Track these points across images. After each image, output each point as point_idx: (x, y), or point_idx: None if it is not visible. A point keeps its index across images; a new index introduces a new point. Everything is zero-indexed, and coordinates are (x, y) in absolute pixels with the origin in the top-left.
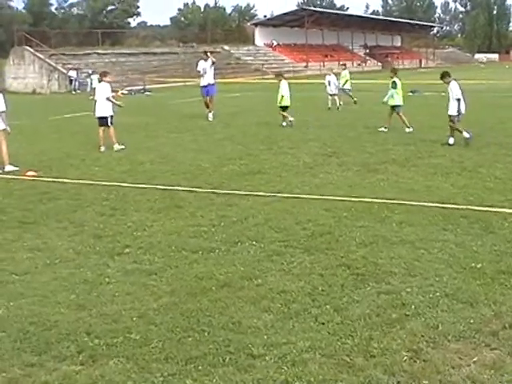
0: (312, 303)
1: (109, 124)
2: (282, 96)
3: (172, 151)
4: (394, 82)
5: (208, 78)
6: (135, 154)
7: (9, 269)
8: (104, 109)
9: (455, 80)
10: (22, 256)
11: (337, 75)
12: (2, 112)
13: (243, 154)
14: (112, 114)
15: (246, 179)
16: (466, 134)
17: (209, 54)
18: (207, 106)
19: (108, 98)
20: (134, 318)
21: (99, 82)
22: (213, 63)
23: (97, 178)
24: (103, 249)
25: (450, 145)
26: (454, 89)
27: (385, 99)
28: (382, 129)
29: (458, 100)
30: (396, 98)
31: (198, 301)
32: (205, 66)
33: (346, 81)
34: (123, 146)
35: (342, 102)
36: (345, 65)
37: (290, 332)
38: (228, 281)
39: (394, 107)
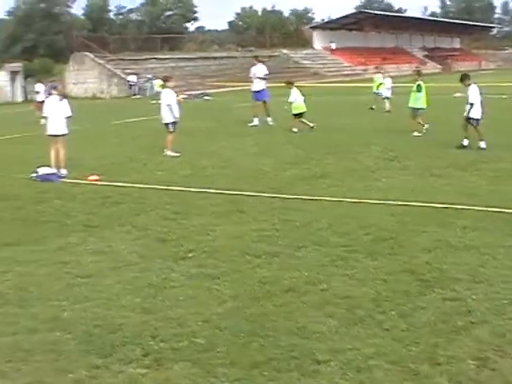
0: (376, 309)
1: (170, 129)
2: (291, 103)
3: (233, 155)
4: (418, 85)
5: (260, 84)
6: (197, 159)
7: (74, 272)
8: (165, 115)
9: (475, 84)
10: (87, 259)
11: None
12: (69, 117)
13: (305, 158)
14: (173, 120)
15: (308, 183)
16: (465, 142)
17: (259, 59)
18: (259, 111)
19: (168, 105)
20: (199, 323)
21: (162, 87)
22: (265, 75)
23: (159, 182)
24: (167, 253)
25: (482, 149)
26: (471, 92)
27: (410, 104)
28: (416, 133)
29: (471, 104)
30: (420, 101)
31: (262, 305)
32: (256, 71)
33: (380, 85)
34: (177, 154)
35: (374, 106)
36: (377, 68)
37: (354, 338)
38: (292, 285)
39: (415, 109)
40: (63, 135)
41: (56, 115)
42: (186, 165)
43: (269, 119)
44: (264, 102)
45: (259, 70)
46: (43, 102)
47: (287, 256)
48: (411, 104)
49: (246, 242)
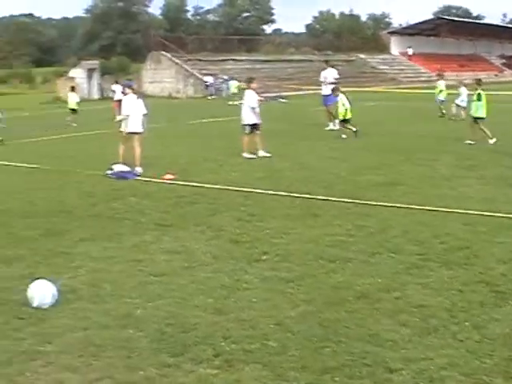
0: (450, 319)
1: (246, 131)
2: (346, 109)
3: (308, 159)
4: (478, 94)
5: (329, 88)
6: (272, 161)
7: (147, 270)
8: (245, 116)
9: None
10: (160, 258)
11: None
12: (145, 115)
13: (379, 163)
14: (253, 122)
15: (382, 190)
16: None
17: (330, 63)
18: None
19: (251, 107)
20: (271, 325)
21: (239, 88)
22: (335, 79)
23: (234, 183)
24: (241, 254)
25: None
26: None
27: (470, 112)
28: (469, 141)
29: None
30: (480, 110)
31: (336, 311)
32: (326, 75)
33: (441, 91)
34: (254, 156)
35: (444, 112)
36: (439, 75)
37: (427, 347)
38: (366, 292)
39: (476, 119)
40: (140, 133)
41: (134, 113)
42: (261, 167)
43: (330, 124)
44: (329, 106)
45: (329, 73)
46: (120, 100)
47: (361, 262)
48: (472, 113)
49: (320, 247)
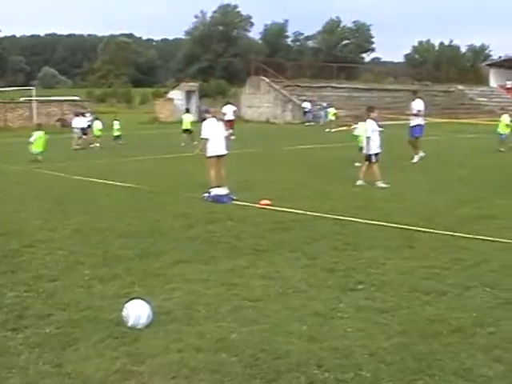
0: None
1: (372, 160)
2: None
3: (404, 189)
4: None
5: (416, 119)
6: (369, 190)
7: (242, 294)
8: (368, 146)
9: None
10: (255, 283)
11: None
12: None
13: (475, 196)
14: (376, 151)
15: (480, 223)
16: None
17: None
18: (418, 146)
19: (367, 136)
20: (365, 355)
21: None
22: (418, 111)
23: (330, 211)
24: (336, 283)
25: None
26: None
27: None
28: None
29: None
30: None
31: (430, 344)
32: (414, 106)
33: (506, 126)
34: (387, 185)
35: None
36: (503, 108)
37: None
38: (460, 326)
39: None
40: (224, 155)
41: (216, 136)
42: (358, 196)
43: (416, 156)
44: (416, 137)
45: (416, 105)
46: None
47: (456, 295)
48: None
49: (416, 279)
